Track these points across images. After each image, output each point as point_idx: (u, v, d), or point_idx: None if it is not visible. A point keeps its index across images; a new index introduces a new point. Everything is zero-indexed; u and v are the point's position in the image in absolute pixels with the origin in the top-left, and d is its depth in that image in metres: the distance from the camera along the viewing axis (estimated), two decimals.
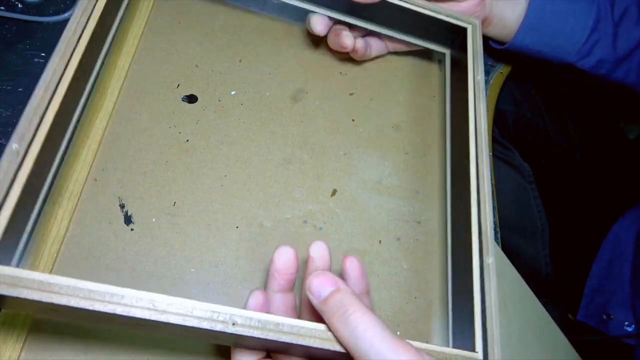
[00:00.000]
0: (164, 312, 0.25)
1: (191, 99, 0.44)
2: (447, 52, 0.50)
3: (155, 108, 0.43)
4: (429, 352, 0.29)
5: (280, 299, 0.31)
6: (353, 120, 0.47)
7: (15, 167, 0.27)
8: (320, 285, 0.27)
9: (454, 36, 0.47)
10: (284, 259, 0.31)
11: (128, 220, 0.38)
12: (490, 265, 0.34)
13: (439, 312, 0.40)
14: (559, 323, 0.49)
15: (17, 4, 0.46)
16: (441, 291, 0.41)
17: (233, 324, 0.26)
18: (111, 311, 0.25)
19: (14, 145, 0.27)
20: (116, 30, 0.39)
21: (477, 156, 0.38)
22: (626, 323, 0.57)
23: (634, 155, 0.70)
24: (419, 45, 0.49)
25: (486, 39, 0.51)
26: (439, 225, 0.44)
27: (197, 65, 0.45)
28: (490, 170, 0.48)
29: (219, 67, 0.46)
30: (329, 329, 0.27)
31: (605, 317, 0.58)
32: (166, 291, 0.36)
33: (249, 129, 0.44)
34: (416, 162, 0.46)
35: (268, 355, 0.30)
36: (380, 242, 0.42)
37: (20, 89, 0.42)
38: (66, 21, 0.46)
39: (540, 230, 0.65)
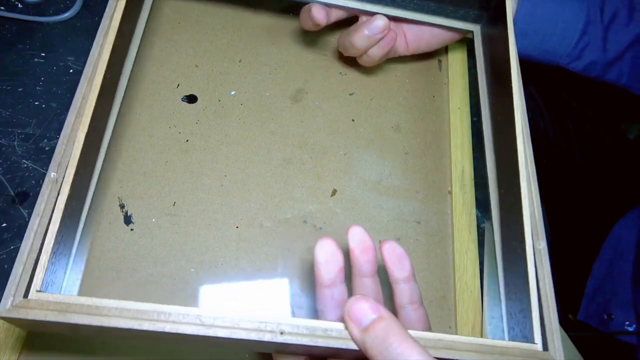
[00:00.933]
0: (211, 326, 0.25)
1: (191, 99, 0.44)
2: (475, 28, 0.47)
3: (155, 108, 0.43)
4: (483, 348, 0.27)
5: (330, 294, 0.30)
6: (353, 120, 0.47)
7: (55, 194, 0.28)
8: (361, 312, 0.25)
9: (486, 5, 0.44)
10: (326, 252, 0.29)
11: (128, 220, 0.38)
12: (542, 250, 0.33)
13: (439, 312, 0.40)
14: (560, 323, 0.49)
15: (17, 4, 0.46)
16: (442, 291, 0.41)
17: (281, 334, 0.25)
18: (160, 329, 0.25)
19: (53, 173, 0.29)
20: (139, 47, 0.40)
21: (524, 137, 0.37)
22: (627, 323, 0.57)
23: (634, 155, 0.70)
24: (445, 27, 0.46)
25: None
26: (439, 225, 0.44)
27: (197, 66, 0.45)
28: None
29: (218, 67, 0.46)
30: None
31: (605, 317, 0.58)
32: (166, 291, 0.36)
33: (249, 129, 0.44)
34: (416, 162, 0.46)
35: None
36: (380, 242, 0.41)
37: (20, 89, 0.42)
38: (66, 21, 0.46)
39: None
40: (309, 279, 0.39)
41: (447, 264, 0.42)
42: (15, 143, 0.40)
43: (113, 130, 0.41)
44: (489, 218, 0.39)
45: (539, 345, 0.29)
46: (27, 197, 0.38)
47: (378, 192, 0.44)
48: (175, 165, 0.41)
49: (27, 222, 0.37)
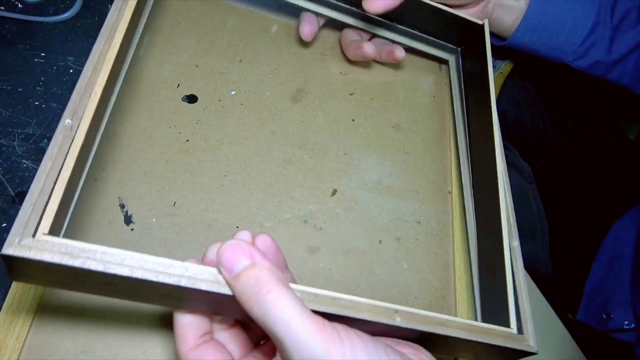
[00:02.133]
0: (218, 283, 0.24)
1: (191, 99, 0.44)
2: (451, 58, 0.51)
3: (155, 108, 0.43)
4: (465, 327, 0.29)
5: None
6: (353, 120, 0.47)
7: (69, 141, 0.27)
8: (233, 257, 0.24)
9: (464, 35, 0.48)
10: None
11: (128, 220, 0.38)
12: (516, 248, 0.37)
13: (439, 312, 0.40)
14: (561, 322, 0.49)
15: (17, 4, 0.46)
16: (442, 291, 0.41)
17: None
18: (175, 283, 0.24)
19: (67, 120, 0.28)
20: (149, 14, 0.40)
21: (500, 150, 0.40)
22: (626, 322, 0.57)
23: (634, 155, 0.70)
24: (423, 52, 0.51)
25: None
26: (439, 225, 0.44)
27: (197, 65, 0.45)
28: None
29: (219, 67, 0.46)
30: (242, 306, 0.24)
31: (605, 317, 0.58)
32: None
33: (249, 129, 0.44)
34: (416, 162, 0.46)
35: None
36: (380, 242, 0.42)
37: (20, 89, 0.42)
38: (66, 21, 0.46)
39: (540, 230, 0.65)
40: (309, 278, 0.39)
41: (447, 264, 0.42)
42: (15, 143, 0.40)
43: (113, 130, 0.41)
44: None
45: (514, 330, 0.32)
46: None
47: (378, 192, 0.44)
48: (175, 165, 0.40)
49: None
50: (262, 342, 0.30)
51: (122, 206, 0.38)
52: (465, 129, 0.47)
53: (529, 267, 0.49)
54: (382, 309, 0.27)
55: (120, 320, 0.34)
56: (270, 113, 0.45)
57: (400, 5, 0.42)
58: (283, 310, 0.22)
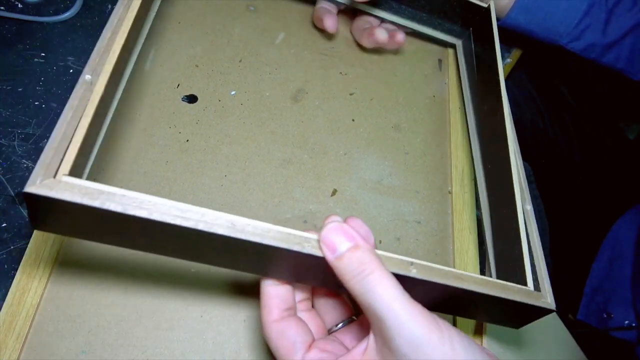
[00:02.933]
0: (242, 231, 0.25)
1: (191, 99, 0.44)
2: (458, 42, 0.52)
3: (155, 108, 0.43)
4: (482, 282, 0.28)
5: None
6: (353, 120, 0.47)
7: (88, 95, 0.28)
8: (336, 238, 0.25)
9: (471, 18, 0.49)
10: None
11: None
12: (530, 211, 0.38)
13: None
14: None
15: (17, 4, 0.46)
16: None
17: (308, 245, 0.25)
18: (193, 226, 0.24)
19: (87, 76, 0.29)
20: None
21: (510, 120, 0.41)
22: (626, 322, 0.57)
23: (634, 155, 0.70)
24: (430, 36, 0.52)
25: None
26: (439, 225, 0.44)
27: (197, 65, 0.45)
28: None
29: (219, 67, 0.46)
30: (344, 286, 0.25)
31: (605, 316, 0.58)
32: (166, 291, 0.36)
33: (249, 129, 0.44)
34: (416, 162, 0.46)
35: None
36: (380, 242, 0.42)
37: (20, 89, 0.42)
38: (66, 21, 0.46)
39: (540, 230, 0.65)
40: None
41: (447, 264, 0.42)
42: (15, 143, 0.40)
43: (113, 131, 0.41)
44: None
45: (531, 287, 0.32)
46: None
47: (378, 192, 0.44)
48: (175, 165, 0.40)
49: (28, 222, 0.37)
50: (338, 325, 0.31)
51: None
52: (474, 107, 0.47)
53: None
54: (398, 261, 0.27)
55: (120, 320, 0.34)
56: (270, 113, 0.45)
57: None
58: (385, 291, 0.23)
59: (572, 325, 0.54)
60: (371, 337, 0.25)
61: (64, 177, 0.24)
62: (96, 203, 0.23)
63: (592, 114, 0.72)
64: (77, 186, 0.24)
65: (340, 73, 0.49)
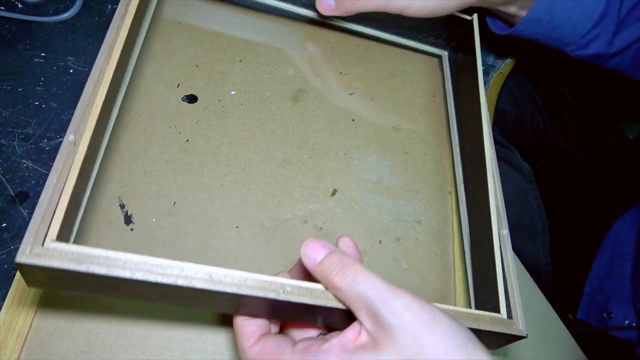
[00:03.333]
0: (220, 282, 0.27)
1: (191, 99, 0.44)
2: (444, 53, 0.52)
3: (156, 108, 0.43)
4: (456, 314, 0.30)
5: None
6: (353, 120, 0.47)
7: (72, 156, 0.29)
8: (315, 250, 0.28)
9: (455, 30, 0.49)
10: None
11: (128, 220, 0.38)
12: (506, 235, 0.38)
13: None
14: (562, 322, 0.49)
15: (17, 4, 0.46)
16: (442, 291, 0.41)
17: (284, 292, 0.27)
18: (173, 282, 0.26)
19: (71, 136, 0.30)
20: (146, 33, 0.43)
21: (489, 141, 0.41)
22: (627, 322, 0.57)
23: (634, 155, 0.70)
24: (416, 49, 0.51)
25: (486, 26, 0.52)
26: (439, 225, 0.44)
27: (197, 65, 0.45)
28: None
29: (219, 67, 0.46)
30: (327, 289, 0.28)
31: (605, 316, 0.58)
32: None
33: (249, 129, 0.44)
34: (416, 162, 0.46)
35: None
36: (380, 242, 0.42)
37: (20, 89, 0.42)
38: (66, 21, 0.46)
39: (540, 230, 0.65)
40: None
41: (447, 264, 0.42)
42: (15, 143, 0.40)
43: (113, 130, 0.41)
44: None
45: (504, 315, 0.33)
46: (27, 197, 0.38)
47: (378, 192, 0.44)
48: (175, 165, 0.40)
49: (27, 222, 0.37)
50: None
51: (122, 206, 0.38)
52: (457, 123, 0.47)
53: (529, 266, 0.49)
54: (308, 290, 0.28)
55: (120, 320, 0.34)
56: (271, 113, 0.45)
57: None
58: (367, 275, 0.26)
59: (572, 325, 0.54)
60: (356, 324, 0.27)
61: (51, 244, 0.26)
62: (82, 268, 0.25)
63: (592, 114, 0.72)
64: (64, 252, 0.26)
65: (340, 73, 0.49)
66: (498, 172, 0.41)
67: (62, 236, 0.28)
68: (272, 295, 0.27)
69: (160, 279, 0.26)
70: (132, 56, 0.44)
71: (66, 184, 0.28)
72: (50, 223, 0.27)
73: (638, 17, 0.50)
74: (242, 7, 0.50)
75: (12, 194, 0.38)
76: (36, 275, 0.27)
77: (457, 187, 0.44)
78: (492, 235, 0.36)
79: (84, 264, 0.26)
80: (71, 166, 0.29)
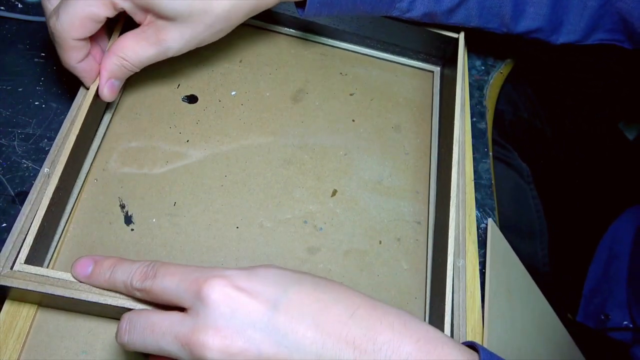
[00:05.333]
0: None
1: (191, 99, 0.44)
2: (435, 69, 0.52)
3: (156, 108, 0.43)
4: None
5: None
6: (353, 120, 0.47)
7: (46, 187, 0.33)
8: (82, 267, 0.30)
9: (443, 49, 0.49)
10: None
11: (128, 220, 0.38)
12: (462, 267, 0.38)
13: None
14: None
15: (17, 4, 0.46)
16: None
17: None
18: (121, 305, 0.30)
19: (46, 169, 0.34)
20: None
21: (458, 169, 0.41)
22: (624, 323, 0.57)
23: (632, 155, 0.70)
24: (407, 65, 0.52)
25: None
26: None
27: (197, 66, 0.45)
28: (490, 171, 0.48)
29: (219, 68, 0.46)
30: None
31: (603, 318, 0.58)
32: None
33: (249, 129, 0.44)
34: (416, 162, 0.46)
35: None
36: (380, 242, 0.42)
37: (20, 89, 0.42)
38: None
39: (538, 231, 0.65)
40: None
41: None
42: (15, 143, 0.40)
43: (114, 131, 0.41)
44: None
45: None
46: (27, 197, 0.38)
47: (378, 192, 0.44)
48: (175, 165, 0.40)
49: None
50: None
51: (123, 206, 0.38)
52: (438, 143, 0.47)
53: (528, 267, 0.49)
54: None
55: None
56: (271, 113, 0.45)
57: (374, 24, 0.41)
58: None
59: (571, 325, 0.54)
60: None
61: (20, 266, 0.31)
62: (47, 290, 0.30)
63: (591, 115, 0.73)
64: (31, 275, 0.30)
65: (341, 73, 0.49)
66: (464, 202, 0.40)
67: (33, 259, 0.32)
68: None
69: (109, 302, 0.30)
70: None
71: (37, 212, 0.32)
72: (21, 247, 0.31)
73: None
74: None
75: (12, 194, 0.38)
76: (8, 293, 0.32)
77: (429, 211, 0.44)
78: (447, 265, 0.36)
79: (44, 285, 0.30)
80: (43, 197, 0.33)
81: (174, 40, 0.36)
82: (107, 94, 0.37)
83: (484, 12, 0.44)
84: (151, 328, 0.27)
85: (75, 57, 0.35)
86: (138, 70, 0.38)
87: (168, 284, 0.27)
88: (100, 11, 0.34)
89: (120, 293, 0.30)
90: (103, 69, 0.37)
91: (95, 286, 0.30)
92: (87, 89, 0.37)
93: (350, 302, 0.28)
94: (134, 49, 0.36)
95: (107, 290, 0.30)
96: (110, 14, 0.34)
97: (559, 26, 0.45)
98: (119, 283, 0.29)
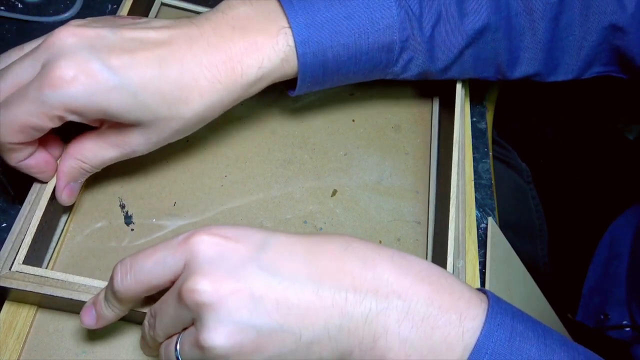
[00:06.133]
0: None
1: None
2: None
3: None
4: None
5: None
6: (353, 120, 0.47)
7: (45, 187, 0.33)
8: (87, 314, 0.29)
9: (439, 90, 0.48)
10: None
11: (128, 220, 0.38)
12: (461, 267, 0.38)
13: None
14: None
15: (17, 4, 0.46)
16: None
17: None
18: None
19: None
20: None
21: (458, 169, 0.40)
22: (624, 322, 0.57)
23: (632, 155, 0.70)
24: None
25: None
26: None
27: None
28: (490, 171, 0.48)
29: None
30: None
31: (602, 317, 0.58)
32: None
33: (249, 129, 0.44)
34: (416, 162, 0.46)
35: None
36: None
37: None
38: (66, 21, 0.46)
39: (538, 230, 0.65)
40: None
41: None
42: None
43: None
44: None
45: None
46: None
47: (378, 192, 0.44)
48: (175, 165, 0.41)
49: None
50: None
51: (123, 206, 0.38)
52: (437, 142, 0.47)
53: (528, 266, 0.49)
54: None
55: (121, 320, 0.34)
56: (271, 113, 0.45)
57: None
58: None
59: (571, 325, 0.54)
60: None
61: (19, 267, 0.31)
62: (45, 291, 0.30)
63: (591, 115, 0.73)
64: (30, 275, 0.30)
65: None
66: (463, 203, 0.40)
67: (32, 260, 0.32)
68: None
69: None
70: None
71: (35, 212, 0.32)
72: (19, 249, 0.31)
73: (455, 23, 0.39)
74: None
75: (12, 194, 0.38)
76: (7, 294, 0.32)
77: (429, 215, 0.43)
78: (446, 266, 0.36)
79: (43, 286, 0.30)
80: (42, 197, 0.33)
81: (139, 144, 0.33)
82: (65, 199, 0.34)
83: (478, 64, 0.42)
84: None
85: (16, 157, 0.31)
86: (99, 170, 0.35)
87: (152, 265, 0.26)
88: (43, 123, 0.29)
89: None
90: (61, 173, 0.33)
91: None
92: (43, 182, 0.34)
93: (343, 239, 0.27)
94: (94, 152, 0.33)
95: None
96: (56, 124, 0.30)
97: (556, 68, 0.44)
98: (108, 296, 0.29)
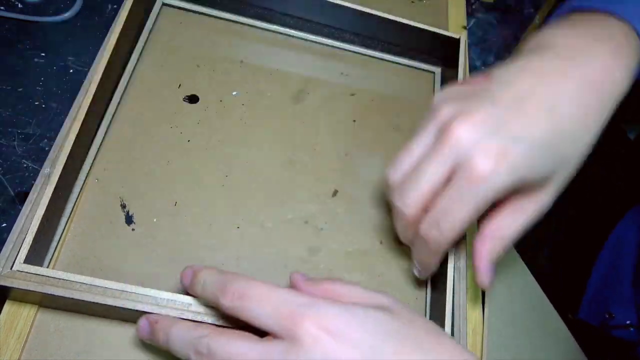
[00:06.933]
0: (164, 307, 0.31)
1: (192, 99, 0.44)
2: (437, 70, 0.52)
3: (157, 108, 0.43)
4: None
5: None
6: (354, 120, 0.47)
7: (45, 187, 0.33)
8: (184, 277, 0.31)
9: (444, 50, 0.49)
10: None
11: (129, 220, 0.38)
12: (461, 267, 0.38)
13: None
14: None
15: (17, 4, 0.46)
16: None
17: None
18: (120, 305, 0.30)
19: (46, 169, 0.34)
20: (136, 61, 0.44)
21: None
22: (628, 322, 0.57)
23: (635, 155, 0.70)
24: (410, 66, 0.52)
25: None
26: None
27: (198, 66, 0.45)
28: None
29: (220, 68, 0.46)
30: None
31: (607, 316, 0.58)
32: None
33: (251, 129, 0.44)
34: None
35: None
36: (381, 242, 0.41)
37: (20, 89, 0.42)
38: (66, 21, 0.46)
39: (540, 230, 0.65)
40: None
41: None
42: (15, 143, 0.40)
43: (114, 130, 0.41)
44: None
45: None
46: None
47: (379, 192, 0.44)
48: (176, 165, 0.40)
49: None
50: None
51: (124, 206, 0.38)
52: None
53: (529, 266, 0.49)
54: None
55: (121, 320, 0.34)
56: (272, 113, 0.45)
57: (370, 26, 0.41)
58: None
59: (572, 325, 0.54)
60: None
61: (20, 266, 0.31)
62: (47, 291, 0.30)
63: None
64: (31, 275, 0.30)
65: (342, 74, 0.49)
66: None
67: (34, 259, 0.32)
68: (210, 320, 0.30)
69: (110, 302, 0.30)
70: (132, 57, 0.44)
71: (37, 212, 0.32)
72: (21, 247, 0.31)
73: None
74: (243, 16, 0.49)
75: (12, 193, 0.38)
76: (8, 293, 0.32)
77: None
78: (447, 265, 0.37)
79: (44, 285, 0.30)
80: (43, 197, 0.33)
81: (552, 195, 0.33)
82: (487, 281, 0.33)
83: None
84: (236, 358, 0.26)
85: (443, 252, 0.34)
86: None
87: (261, 312, 0.26)
88: (476, 217, 0.30)
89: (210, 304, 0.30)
90: (482, 259, 0.33)
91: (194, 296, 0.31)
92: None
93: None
94: (510, 226, 0.33)
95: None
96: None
97: None
98: (209, 294, 0.29)
